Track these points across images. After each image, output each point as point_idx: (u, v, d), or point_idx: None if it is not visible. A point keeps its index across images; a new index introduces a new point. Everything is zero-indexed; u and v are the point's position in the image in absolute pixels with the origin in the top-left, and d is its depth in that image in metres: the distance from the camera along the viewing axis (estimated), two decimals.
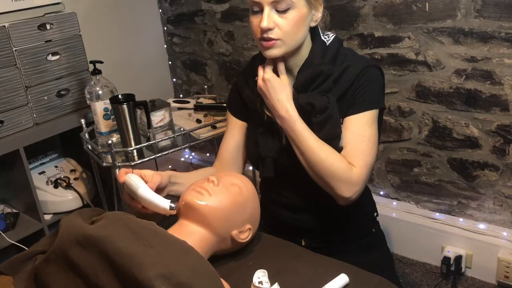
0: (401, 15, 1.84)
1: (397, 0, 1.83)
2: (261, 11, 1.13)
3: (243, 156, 1.38)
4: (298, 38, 1.17)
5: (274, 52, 1.15)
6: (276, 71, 1.20)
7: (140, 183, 1.08)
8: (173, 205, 1.07)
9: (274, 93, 1.17)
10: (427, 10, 1.77)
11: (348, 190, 1.15)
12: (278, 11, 1.12)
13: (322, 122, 1.17)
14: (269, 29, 1.12)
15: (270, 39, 1.13)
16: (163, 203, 1.06)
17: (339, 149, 1.18)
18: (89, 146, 1.87)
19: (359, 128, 1.19)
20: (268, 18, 1.11)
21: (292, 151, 1.19)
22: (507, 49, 1.65)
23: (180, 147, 1.81)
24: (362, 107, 1.19)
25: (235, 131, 1.38)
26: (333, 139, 1.18)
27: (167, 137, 1.82)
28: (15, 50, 1.78)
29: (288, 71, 1.23)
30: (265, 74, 1.18)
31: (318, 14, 1.19)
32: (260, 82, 1.20)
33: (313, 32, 1.23)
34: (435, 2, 1.75)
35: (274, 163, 1.26)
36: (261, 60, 1.24)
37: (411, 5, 1.80)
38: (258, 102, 1.26)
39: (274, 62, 1.21)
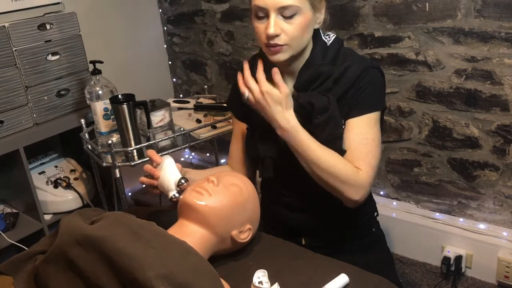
0: (401, 15, 1.84)
1: (397, 0, 1.83)
2: (266, 16, 1.12)
3: None
4: (303, 42, 1.17)
5: (281, 57, 1.15)
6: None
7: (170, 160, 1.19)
8: (183, 181, 1.12)
9: (274, 106, 1.13)
10: (427, 10, 1.77)
11: (356, 193, 1.16)
12: (284, 17, 1.11)
13: (324, 122, 1.17)
14: (276, 36, 1.11)
15: (276, 45, 1.12)
16: (177, 175, 1.14)
17: (342, 150, 1.18)
18: (89, 146, 1.87)
19: (363, 130, 1.19)
20: (275, 25, 1.10)
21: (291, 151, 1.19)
22: (507, 49, 1.65)
23: (180, 147, 1.81)
24: (364, 109, 1.19)
25: (239, 132, 1.39)
26: (335, 140, 1.18)
27: (167, 137, 1.82)
28: (15, 50, 1.78)
29: (289, 71, 1.23)
30: (262, 87, 1.13)
31: (321, 16, 1.19)
32: (258, 95, 1.14)
33: (314, 32, 1.22)
34: (435, 2, 1.75)
35: (274, 164, 1.26)
36: (253, 66, 1.19)
37: (411, 5, 1.80)
38: None
39: (267, 67, 1.16)
